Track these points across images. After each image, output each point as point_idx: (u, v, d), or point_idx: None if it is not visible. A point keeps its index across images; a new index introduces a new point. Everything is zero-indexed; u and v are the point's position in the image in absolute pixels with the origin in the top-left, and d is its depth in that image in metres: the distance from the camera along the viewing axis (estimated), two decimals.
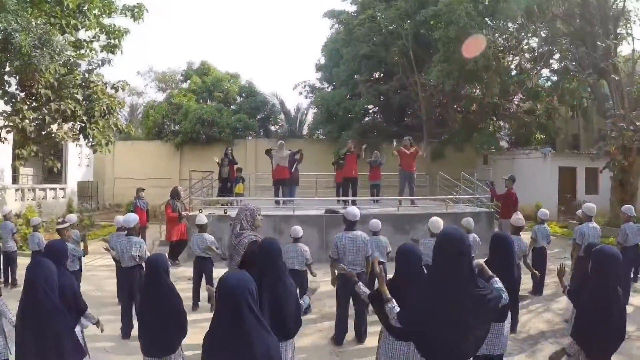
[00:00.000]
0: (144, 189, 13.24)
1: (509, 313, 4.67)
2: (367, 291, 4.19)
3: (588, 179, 20.81)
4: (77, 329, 4.50)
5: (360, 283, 4.32)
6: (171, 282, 4.35)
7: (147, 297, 4.32)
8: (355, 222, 6.68)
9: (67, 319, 4.00)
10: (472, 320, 3.19)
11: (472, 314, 3.17)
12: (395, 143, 22.10)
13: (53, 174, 21.08)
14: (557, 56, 20.19)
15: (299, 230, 7.91)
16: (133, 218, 6.97)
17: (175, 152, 25.69)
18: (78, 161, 23.39)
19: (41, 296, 3.79)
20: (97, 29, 13.85)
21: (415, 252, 3.90)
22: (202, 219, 8.67)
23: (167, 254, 11.77)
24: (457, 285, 3.17)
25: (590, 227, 7.65)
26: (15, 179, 19.76)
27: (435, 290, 3.22)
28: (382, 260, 7.31)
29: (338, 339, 6.68)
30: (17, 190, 17.23)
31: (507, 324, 4.68)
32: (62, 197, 21.25)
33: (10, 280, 9.82)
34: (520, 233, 7.49)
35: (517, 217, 7.66)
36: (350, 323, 6.74)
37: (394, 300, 3.53)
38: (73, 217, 9.19)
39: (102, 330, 4.94)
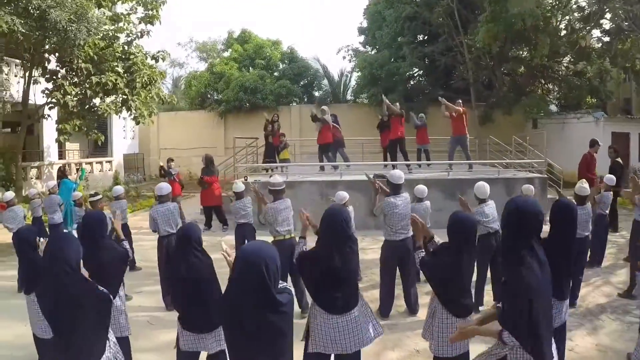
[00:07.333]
0: (173, 159, 12.89)
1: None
2: None
3: None
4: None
5: None
6: (202, 252, 4.02)
7: (175, 268, 4.02)
8: (400, 186, 6.40)
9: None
10: None
11: None
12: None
13: (99, 148, 21.47)
14: (608, 15, 18.83)
15: (344, 195, 7.46)
16: (165, 187, 7.21)
17: (219, 120, 25.71)
18: (123, 134, 23.68)
19: None
20: (134, 2, 13.72)
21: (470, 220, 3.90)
22: (239, 186, 8.45)
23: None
24: None
25: None
26: (61, 155, 20.12)
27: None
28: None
29: (384, 311, 6.43)
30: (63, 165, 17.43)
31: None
32: (109, 170, 21.67)
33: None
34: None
35: (581, 186, 6.76)
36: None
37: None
38: (120, 189, 9.32)
39: None
